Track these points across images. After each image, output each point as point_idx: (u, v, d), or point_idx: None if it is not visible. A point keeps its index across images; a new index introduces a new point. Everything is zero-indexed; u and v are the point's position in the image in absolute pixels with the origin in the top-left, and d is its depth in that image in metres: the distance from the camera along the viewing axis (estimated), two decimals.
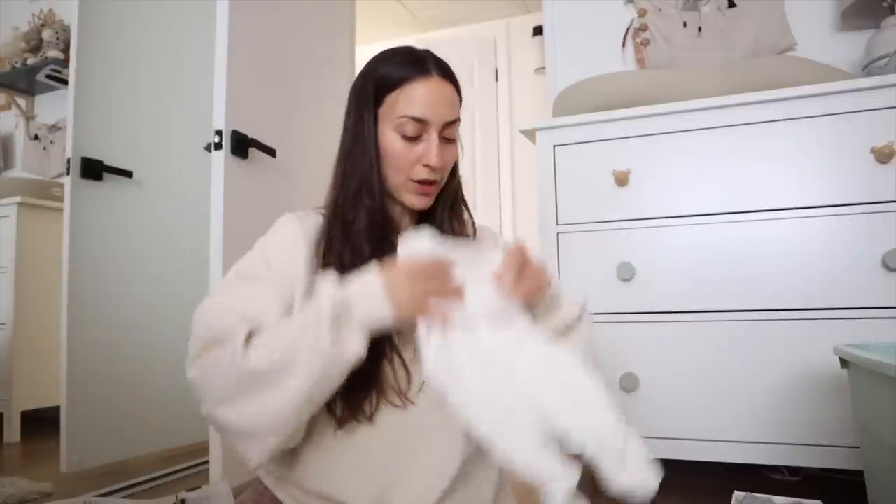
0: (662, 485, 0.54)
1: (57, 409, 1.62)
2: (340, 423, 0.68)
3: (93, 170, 1.72)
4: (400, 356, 0.70)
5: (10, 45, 2.61)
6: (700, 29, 1.75)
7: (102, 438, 1.67)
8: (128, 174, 1.81)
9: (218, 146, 1.39)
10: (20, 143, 2.79)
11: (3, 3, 2.85)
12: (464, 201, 0.84)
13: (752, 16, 1.69)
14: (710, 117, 1.32)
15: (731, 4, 1.72)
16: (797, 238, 1.24)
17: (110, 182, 1.78)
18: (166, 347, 1.80)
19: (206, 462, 1.41)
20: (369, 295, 0.61)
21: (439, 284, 0.63)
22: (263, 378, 0.59)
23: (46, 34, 2.55)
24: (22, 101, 2.76)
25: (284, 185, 1.65)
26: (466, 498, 0.71)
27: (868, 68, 1.45)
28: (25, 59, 2.56)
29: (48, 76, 2.55)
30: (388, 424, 0.68)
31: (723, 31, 1.72)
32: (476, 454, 0.71)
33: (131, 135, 1.85)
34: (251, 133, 1.47)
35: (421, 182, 0.75)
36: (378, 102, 0.74)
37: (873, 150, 1.19)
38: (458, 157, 0.80)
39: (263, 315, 0.65)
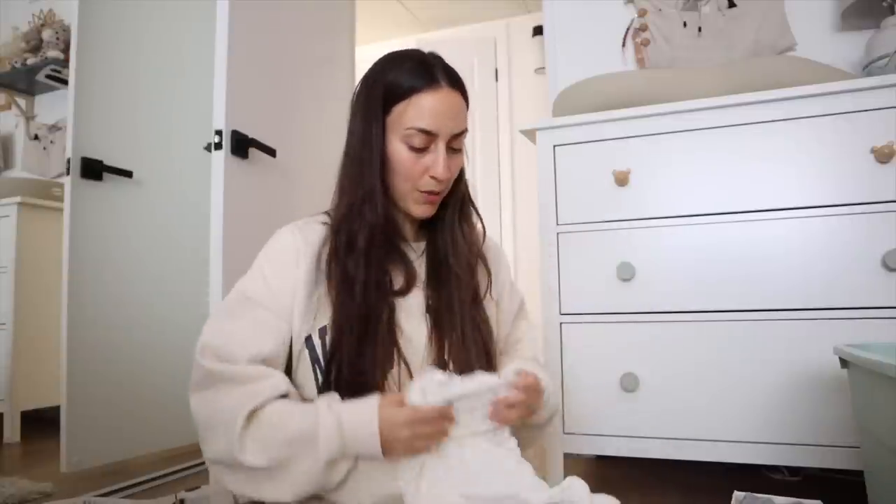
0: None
1: (57, 409, 1.62)
2: None
3: (93, 170, 1.72)
4: (407, 365, 0.72)
5: (10, 45, 2.61)
6: (700, 29, 1.75)
7: (102, 438, 1.67)
8: (128, 174, 1.81)
9: (218, 146, 1.39)
10: (20, 143, 2.79)
11: (3, 3, 2.85)
12: (472, 203, 0.84)
13: (752, 16, 1.69)
14: (710, 117, 1.32)
15: (731, 4, 1.72)
16: (797, 238, 1.24)
17: (110, 182, 1.78)
18: (166, 347, 1.80)
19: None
20: (365, 438, 0.64)
21: (435, 430, 0.65)
22: (254, 471, 0.64)
23: (46, 34, 2.55)
24: (22, 101, 2.76)
25: (284, 185, 1.64)
26: None
27: (868, 68, 1.45)
28: (25, 59, 2.55)
29: (48, 76, 2.55)
30: None
31: (723, 31, 1.72)
32: None
33: (131, 135, 1.85)
34: (251, 133, 1.47)
35: (426, 192, 0.75)
36: (386, 111, 0.74)
37: (873, 150, 1.19)
38: (464, 163, 0.81)
39: (264, 348, 0.69)
